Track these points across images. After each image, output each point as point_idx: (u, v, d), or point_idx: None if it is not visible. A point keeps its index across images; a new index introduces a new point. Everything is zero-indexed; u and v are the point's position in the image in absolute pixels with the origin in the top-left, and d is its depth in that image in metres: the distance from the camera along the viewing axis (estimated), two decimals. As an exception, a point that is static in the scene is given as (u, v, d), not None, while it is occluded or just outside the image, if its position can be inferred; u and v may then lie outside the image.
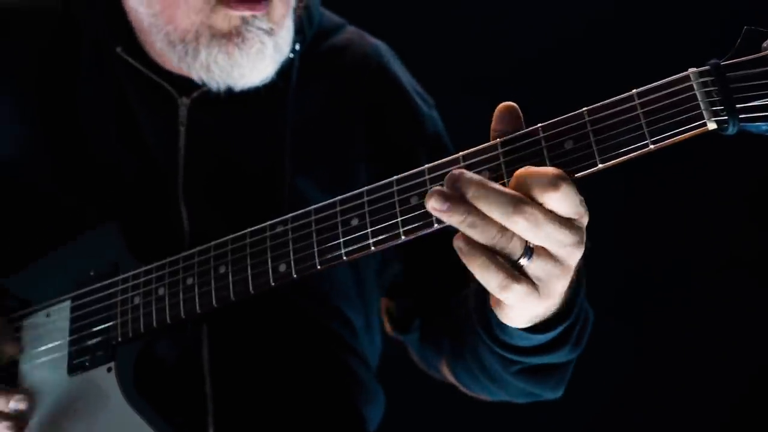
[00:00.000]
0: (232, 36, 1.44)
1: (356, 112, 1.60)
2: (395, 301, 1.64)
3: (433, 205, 1.04)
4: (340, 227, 1.25)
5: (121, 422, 1.35)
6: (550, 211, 1.04)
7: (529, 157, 1.14)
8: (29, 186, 1.53)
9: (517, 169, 1.10)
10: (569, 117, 1.14)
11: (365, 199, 1.24)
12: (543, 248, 1.06)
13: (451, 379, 1.56)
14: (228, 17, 1.43)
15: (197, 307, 1.34)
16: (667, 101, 1.09)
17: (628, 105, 1.11)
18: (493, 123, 1.14)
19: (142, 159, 1.51)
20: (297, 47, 1.58)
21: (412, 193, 1.20)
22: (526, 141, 1.15)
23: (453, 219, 1.05)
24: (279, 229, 1.30)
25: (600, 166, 1.11)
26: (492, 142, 1.17)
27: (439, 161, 1.18)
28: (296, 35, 1.58)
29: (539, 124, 1.15)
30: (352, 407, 1.60)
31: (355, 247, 1.23)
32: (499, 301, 1.11)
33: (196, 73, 1.48)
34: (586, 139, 1.12)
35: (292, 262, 1.28)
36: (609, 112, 1.12)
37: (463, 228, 1.05)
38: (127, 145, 1.52)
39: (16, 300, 1.50)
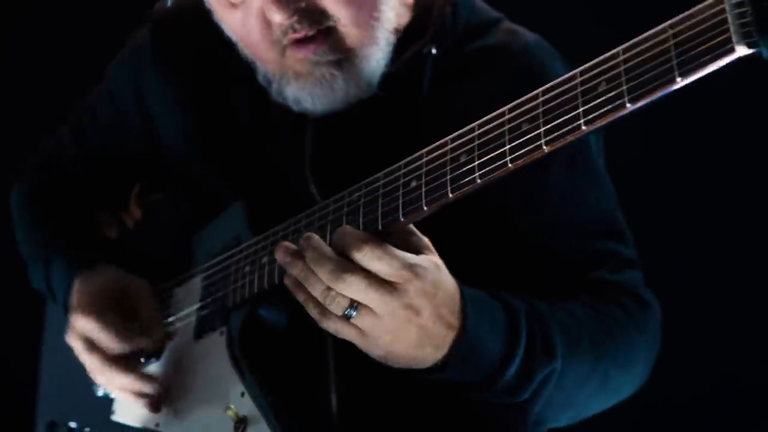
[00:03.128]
0: (307, 75, 1.46)
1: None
2: None
3: (278, 256, 1.25)
4: (401, 189, 1.26)
5: (225, 383, 1.44)
6: (372, 273, 1.18)
7: (565, 103, 1.09)
8: (187, 169, 1.69)
9: (555, 121, 1.08)
10: (606, 57, 1.06)
11: (424, 159, 1.24)
12: (368, 307, 1.19)
13: None
14: (298, 59, 1.45)
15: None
16: (699, 28, 0.98)
17: (661, 38, 1.01)
18: None
19: (274, 146, 1.60)
20: (434, 51, 1.54)
21: (461, 151, 1.19)
22: (565, 87, 1.09)
23: (293, 270, 1.24)
24: (355, 195, 1.33)
25: (629, 106, 1.03)
26: (532, 93, 1.13)
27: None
28: (435, 37, 1.54)
29: (578, 69, 1.09)
30: None
31: (410, 208, 1.23)
32: None
33: (293, 106, 1.51)
34: (618, 79, 1.04)
35: (361, 227, 1.30)
36: (642, 47, 1.03)
37: (301, 279, 1.23)
38: (261, 133, 1.61)
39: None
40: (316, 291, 1.21)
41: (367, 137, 1.55)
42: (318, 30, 1.42)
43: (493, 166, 1.14)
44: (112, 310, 1.59)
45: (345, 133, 1.56)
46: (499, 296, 1.31)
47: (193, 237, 1.65)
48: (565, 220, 1.49)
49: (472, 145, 1.17)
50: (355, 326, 1.21)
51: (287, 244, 1.25)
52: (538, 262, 1.46)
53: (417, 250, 1.23)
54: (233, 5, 1.45)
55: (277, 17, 1.40)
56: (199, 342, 1.53)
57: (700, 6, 0.99)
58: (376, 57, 1.49)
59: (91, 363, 1.59)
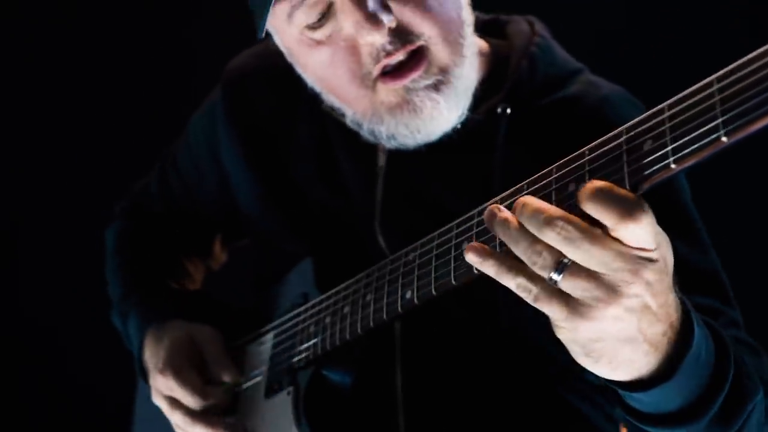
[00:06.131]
0: (403, 106, 1.40)
1: None
2: None
3: (486, 220, 1.04)
4: (452, 251, 1.21)
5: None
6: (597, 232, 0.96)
7: (610, 163, 1.02)
8: (258, 223, 1.70)
9: (601, 179, 1.00)
10: (651, 114, 0.99)
11: (475, 221, 1.19)
12: (580, 266, 0.97)
13: None
14: (391, 90, 1.40)
15: (347, 335, 1.37)
16: (744, 83, 0.89)
17: (706, 93, 0.93)
18: None
19: (342, 200, 1.58)
20: (508, 110, 1.47)
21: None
22: (611, 145, 1.03)
23: (499, 230, 1.03)
24: (410, 256, 1.29)
25: (674, 167, 0.95)
26: (579, 152, 1.06)
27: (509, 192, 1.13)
28: (510, 94, 1.49)
29: (624, 126, 1.02)
30: None
31: (462, 271, 1.18)
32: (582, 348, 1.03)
33: (387, 144, 1.47)
34: (663, 138, 0.96)
35: (415, 289, 1.26)
36: (687, 103, 0.95)
37: (508, 237, 1.02)
38: (328, 186, 1.60)
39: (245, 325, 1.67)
40: (520, 247, 1.00)
41: (437, 190, 1.51)
42: (411, 53, 1.37)
43: None
44: (187, 365, 1.60)
45: (416, 185, 1.52)
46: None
47: (271, 288, 1.66)
48: None
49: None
50: (563, 296, 0.99)
51: (494, 208, 1.04)
52: None
53: None
54: (319, 42, 1.41)
55: (370, 37, 1.35)
56: (269, 401, 1.52)
57: (749, 56, 0.91)
58: (470, 76, 1.44)
59: (177, 419, 1.61)
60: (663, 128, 0.96)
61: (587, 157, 1.05)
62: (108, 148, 2.81)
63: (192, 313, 1.70)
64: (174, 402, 1.60)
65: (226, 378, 1.59)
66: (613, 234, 0.96)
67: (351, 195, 1.58)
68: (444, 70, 1.40)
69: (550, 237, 0.97)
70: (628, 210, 0.94)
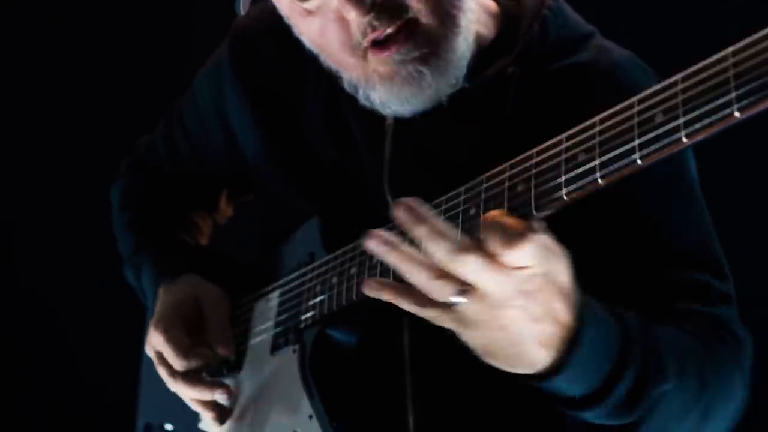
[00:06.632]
0: (393, 76, 1.40)
1: None
2: None
3: (371, 247, 1.11)
4: (460, 217, 1.21)
5: (295, 401, 1.44)
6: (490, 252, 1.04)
7: (621, 134, 1.02)
8: (265, 182, 1.70)
9: (611, 153, 1.02)
10: (664, 86, 0.99)
11: (483, 186, 1.19)
12: (477, 290, 1.06)
13: None
14: (380, 60, 1.39)
15: (354, 295, 1.38)
16: (759, 58, 0.89)
17: (721, 66, 0.93)
18: None
19: (351, 159, 1.58)
20: (518, 73, 1.46)
21: (520, 178, 1.13)
22: (622, 116, 1.02)
23: (390, 257, 1.09)
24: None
25: (685, 141, 0.95)
26: (590, 121, 1.06)
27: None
28: (520, 57, 1.47)
29: (636, 97, 1.02)
30: None
31: (471, 236, 1.18)
32: None
33: (382, 110, 1.47)
34: (675, 111, 0.96)
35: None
36: (701, 77, 0.95)
37: (400, 265, 1.09)
38: (337, 146, 1.59)
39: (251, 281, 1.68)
40: (420, 277, 1.07)
41: (445, 148, 1.51)
42: (398, 26, 1.36)
43: (547, 198, 1.08)
44: (180, 325, 1.62)
45: (424, 144, 1.52)
46: (608, 305, 1.20)
47: (277, 246, 1.66)
48: (656, 247, 1.39)
49: (528, 174, 1.11)
50: (454, 314, 1.08)
51: (381, 233, 1.11)
52: (625, 288, 1.35)
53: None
54: (310, 12, 1.41)
55: (353, 14, 1.34)
56: (274, 357, 1.54)
57: (765, 31, 0.90)
58: (462, 48, 1.42)
59: (162, 374, 1.64)
60: (675, 101, 0.96)
61: (598, 128, 1.05)
62: (108, 146, 2.78)
63: (203, 267, 1.71)
64: (160, 357, 1.63)
65: (221, 351, 1.60)
66: (499, 258, 1.04)
67: (359, 154, 1.57)
68: (434, 43, 1.39)
69: (457, 268, 1.05)
70: (508, 240, 1.03)
